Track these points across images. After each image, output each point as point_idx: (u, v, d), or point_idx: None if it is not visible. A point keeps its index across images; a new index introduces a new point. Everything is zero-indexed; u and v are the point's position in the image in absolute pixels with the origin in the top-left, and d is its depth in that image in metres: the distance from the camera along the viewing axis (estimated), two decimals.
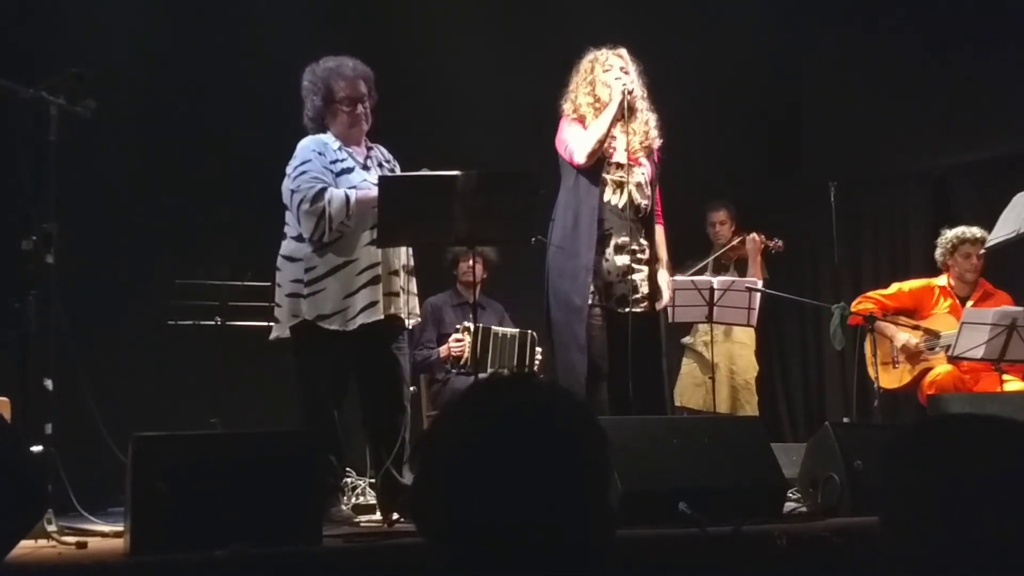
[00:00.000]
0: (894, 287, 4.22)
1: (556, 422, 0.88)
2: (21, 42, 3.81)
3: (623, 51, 3.12)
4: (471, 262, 3.86)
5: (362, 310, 2.86)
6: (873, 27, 4.99)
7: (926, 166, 5.05)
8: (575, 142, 3.02)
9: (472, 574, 0.85)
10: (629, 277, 3.05)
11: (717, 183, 4.92)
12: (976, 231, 4.01)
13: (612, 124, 2.98)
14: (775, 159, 5.35)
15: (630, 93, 2.99)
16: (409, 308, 2.99)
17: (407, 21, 4.71)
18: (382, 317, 2.88)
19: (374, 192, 2.79)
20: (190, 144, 4.29)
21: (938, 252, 4.15)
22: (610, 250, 3.02)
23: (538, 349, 3.94)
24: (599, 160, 3.02)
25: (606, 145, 3.03)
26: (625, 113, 2.98)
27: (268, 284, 3.63)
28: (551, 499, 0.84)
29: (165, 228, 4.21)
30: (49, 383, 2.53)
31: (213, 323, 3.76)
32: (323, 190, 2.83)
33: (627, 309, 3.02)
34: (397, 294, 2.94)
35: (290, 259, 2.93)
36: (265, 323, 3.61)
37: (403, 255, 2.99)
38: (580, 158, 3.00)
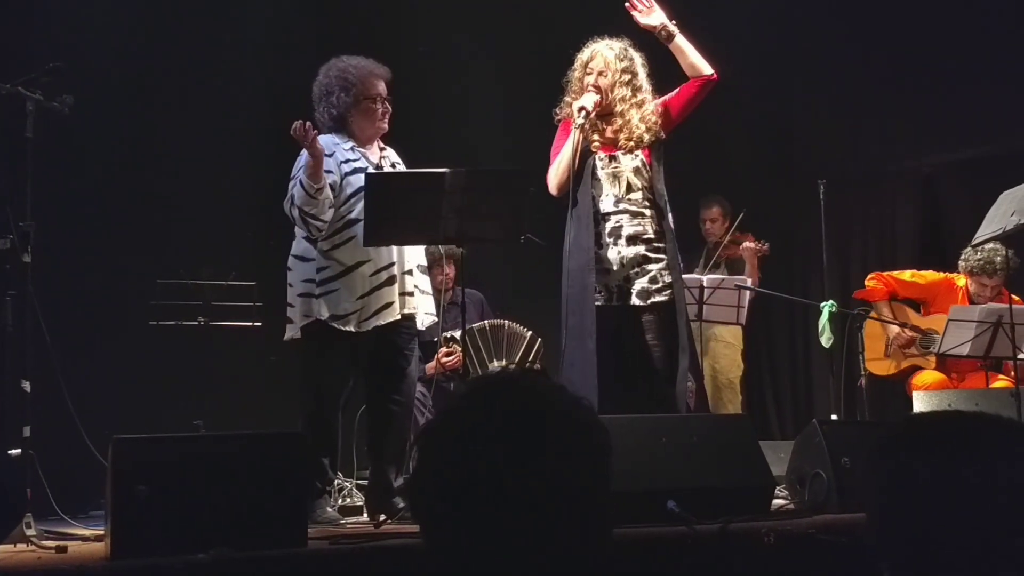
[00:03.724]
0: (909, 274, 4.10)
1: (558, 421, 0.87)
2: None
3: (613, 44, 3.01)
4: (443, 270, 3.79)
5: (377, 311, 2.83)
6: (861, 26, 5.00)
7: (914, 164, 5.06)
8: (550, 171, 2.98)
9: (468, 572, 0.84)
10: (645, 267, 2.95)
11: (707, 181, 4.92)
12: (999, 261, 3.77)
13: (575, 150, 2.87)
14: (764, 157, 5.36)
15: (587, 111, 2.86)
16: (423, 307, 2.96)
17: (404, 20, 4.68)
18: (399, 317, 2.87)
19: (304, 158, 2.72)
20: (171, 141, 4.24)
21: (961, 262, 3.96)
22: (621, 242, 2.93)
23: (527, 332, 3.89)
24: (589, 158, 2.95)
25: (591, 142, 2.96)
26: (586, 125, 2.86)
27: (253, 283, 3.62)
28: (550, 499, 0.84)
29: (146, 227, 4.15)
30: (27, 385, 2.49)
31: (196, 323, 3.72)
32: (293, 195, 2.78)
33: (648, 301, 2.93)
34: (412, 293, 2.92)
35: (302, 259, 2.90)
36: (249, 323, 3.60)
37: (417, 254, 2.97)
38: (552, 190, 2.97)
